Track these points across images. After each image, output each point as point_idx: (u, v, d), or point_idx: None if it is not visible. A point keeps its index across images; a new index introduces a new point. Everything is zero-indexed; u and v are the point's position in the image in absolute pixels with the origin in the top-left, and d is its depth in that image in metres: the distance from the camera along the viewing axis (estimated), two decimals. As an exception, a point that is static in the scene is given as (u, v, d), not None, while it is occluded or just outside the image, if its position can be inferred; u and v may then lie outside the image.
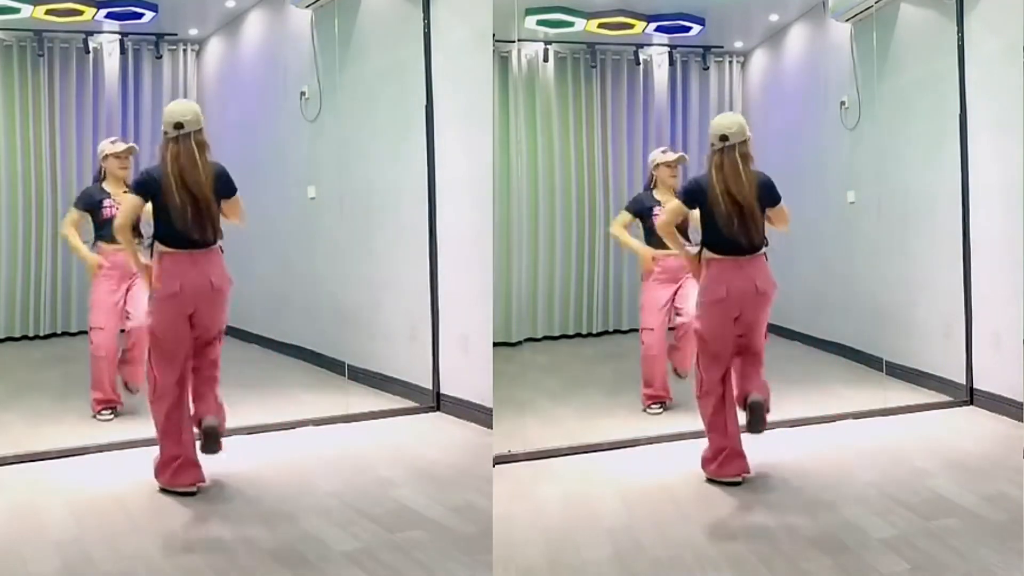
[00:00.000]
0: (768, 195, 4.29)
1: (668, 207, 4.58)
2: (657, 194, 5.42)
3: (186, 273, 4.16)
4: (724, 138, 4.24)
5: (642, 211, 5.43)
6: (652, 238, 5.31)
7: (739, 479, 4.31)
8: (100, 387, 5.34)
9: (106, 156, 5.30)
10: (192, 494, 4.16)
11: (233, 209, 4.31)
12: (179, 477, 4.20)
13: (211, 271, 4.20)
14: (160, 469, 4.25)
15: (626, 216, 5.49)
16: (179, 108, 4.22)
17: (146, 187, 4.20)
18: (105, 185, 5.32)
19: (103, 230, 5.20)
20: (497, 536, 3.66)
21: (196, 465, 4.24)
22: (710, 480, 4.34)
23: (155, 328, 4.24)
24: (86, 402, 5.54)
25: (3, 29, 6.32)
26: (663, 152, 5.50)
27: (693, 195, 4.35)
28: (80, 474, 4.43)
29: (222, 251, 4.27)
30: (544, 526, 3.84)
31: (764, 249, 4.32)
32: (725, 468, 4.33)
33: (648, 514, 3.94)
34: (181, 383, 4.26)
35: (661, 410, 5.44)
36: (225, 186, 4.25)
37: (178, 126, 4.14)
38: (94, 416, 5.31)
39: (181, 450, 4.22)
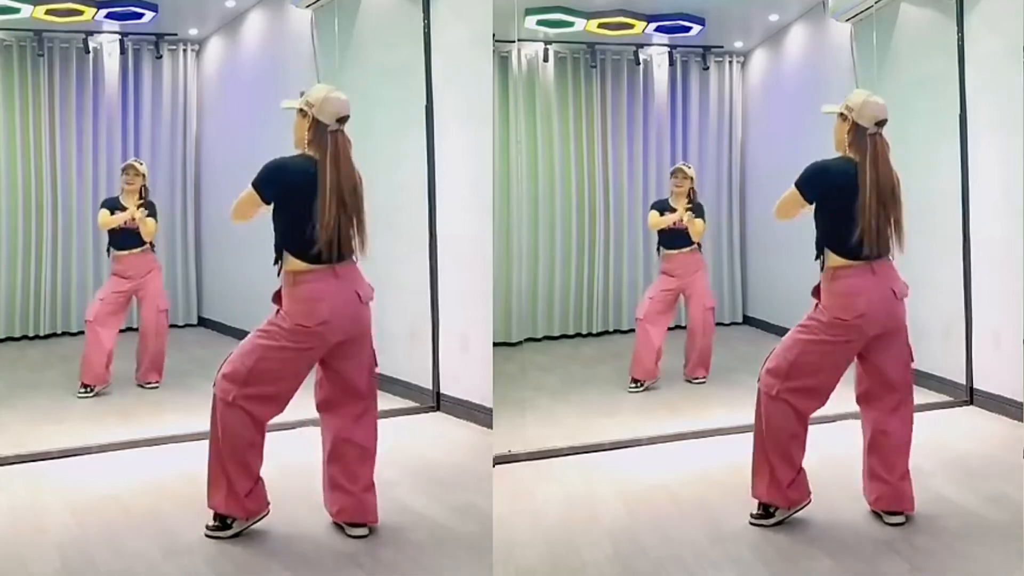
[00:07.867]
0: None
1: (784, 196, 3.79)
2: (671, 200, 6.07)
3: (334, 296, 3.53)
4: (882, 123, 3.69)
5: (659, 211, 6.13)
6: (663, 237, 6.06)
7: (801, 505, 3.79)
8: (87, 366, 5.69)
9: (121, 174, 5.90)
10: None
11: None
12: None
13: (358, 285, 3.63)
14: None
15: (654, 214, 6.14)
16: (343, 98, 3.57)
17: (277, 187, 3.55)
18: (120, 198, 5.85)
19: (115, 236, 5.80)
20: (497, 536, 3.66)
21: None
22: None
23: (266, 363, 3.53)
24: (86, 401, 5.55)
25: (3, 29, 6.32)
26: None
27: (818, 185, 3.66)
28: (80, 474, 4.43)
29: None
30: (544, 526, 3.84)
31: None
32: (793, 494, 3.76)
33: (648, 514, 3.94)
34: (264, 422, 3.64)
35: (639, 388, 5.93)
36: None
37: (342, 120, 3.55)
38: (78, 395, 5.65)
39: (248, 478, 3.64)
